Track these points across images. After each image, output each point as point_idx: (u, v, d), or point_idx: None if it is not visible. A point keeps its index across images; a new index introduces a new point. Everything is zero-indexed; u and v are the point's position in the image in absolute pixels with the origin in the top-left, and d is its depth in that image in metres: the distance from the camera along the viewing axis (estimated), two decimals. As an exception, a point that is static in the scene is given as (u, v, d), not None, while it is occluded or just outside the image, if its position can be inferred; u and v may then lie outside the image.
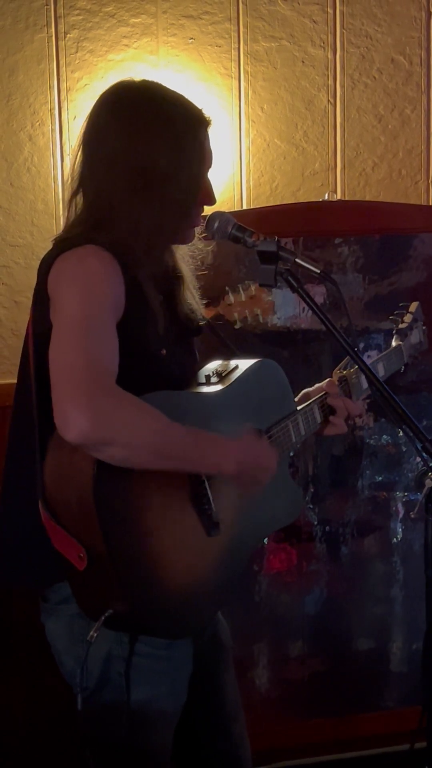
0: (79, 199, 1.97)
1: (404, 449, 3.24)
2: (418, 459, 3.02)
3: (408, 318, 2.60)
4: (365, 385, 2.34)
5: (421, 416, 3.22)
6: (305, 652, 3.24)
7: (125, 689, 1.91)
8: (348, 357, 2.15)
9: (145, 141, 1.90)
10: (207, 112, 1.99)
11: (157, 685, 1.96)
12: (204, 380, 2.04)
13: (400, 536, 3.29)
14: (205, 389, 2.02)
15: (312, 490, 3.19)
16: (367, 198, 3.34)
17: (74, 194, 1.97)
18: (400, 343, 2.54)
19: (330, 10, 3.27)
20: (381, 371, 2.44)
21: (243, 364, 2.11)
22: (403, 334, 2.56)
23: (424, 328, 2.63)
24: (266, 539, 3.12)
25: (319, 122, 3.29)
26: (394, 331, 2.58)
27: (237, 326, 3.00)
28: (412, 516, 3.18)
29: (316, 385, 2.31)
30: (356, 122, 3.33)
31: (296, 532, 3.17)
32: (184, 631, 1.98)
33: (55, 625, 2.00)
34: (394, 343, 2.55)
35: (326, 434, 2.31)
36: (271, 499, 2.06)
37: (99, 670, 1.93)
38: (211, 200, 2.02)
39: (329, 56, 3.29)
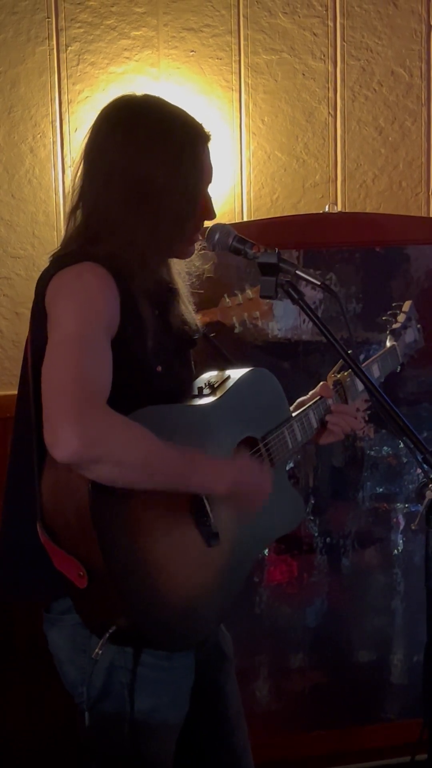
0: (79, 213, 1.98)
1: (405, 460, 3.24)
2: (419, 470, 3.02)
3: (401, 317, 2.59)
4: (361, 387, 2.34)
5: (421, 428, 3.22)
6: (306, 663, 3.24)
7: (128, 700, 1.91)
8: (342, 360, 2.14)
9: (143, 155, 1.91)
10: (207, 127, 1.99)
11: (159, 695, 1.96)
12: (197, 392, 2.04)
13: (400, 548, 3.28)
14: (198, 401, 2.02)
15: (312, 501, 3.18)
16: (368, 210, 3.35)
17: (74, 208, 1.98)
18: (395, 343, 2.54)
19: (330, 23, 3.28)
20: (376, 372, 2.44)
21: (235, 374, 2.11)
22: (397, 334, 2.56)
23: (419, 326, 2.63)
24: (266, 550, 3.11)
25: (319, 134, 3.30)
26: (387, 332, 2.57)
27: (237, 330, 3.00)
28: (413, 528, 3.16)
29: (311, 392, 2.32)
30: (357, 134, 3.34)
31: (297, 544, 3.17)
32: (186, 643, 1.98)
33: (57, 635, 2.00)
34: (388, 344, 2.54)
35: (322, 443, 2.31)
36: (272, 507, 2.06)
37: (101, 680, 1.93)
38: (211, 215, 2.02)
39: (330, 69, 3.29)
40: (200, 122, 1.99)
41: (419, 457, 1.99)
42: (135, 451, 1.74)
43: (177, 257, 2.05)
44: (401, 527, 3.27)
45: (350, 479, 3.24)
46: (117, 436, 1.73)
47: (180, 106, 2.00)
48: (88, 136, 1.98)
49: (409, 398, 3.21)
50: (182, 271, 2.10)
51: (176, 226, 1.95)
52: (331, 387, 2.31)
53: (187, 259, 2.08)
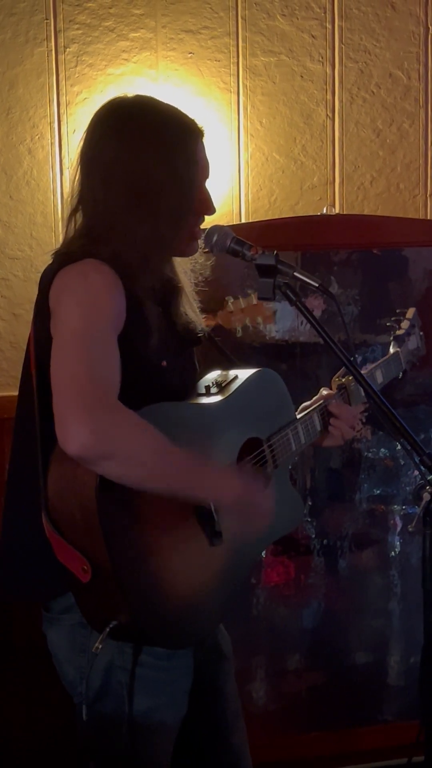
0: (79, 215, 1.98)
1: (402, 462, 3.25)
2: (416, 472, 3.02)
3: (405, 324, 2.59)
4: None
5: (419, 430, 3.23)
6: (303, 665, 3.24)
7: (126, 699, 1.91)
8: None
9: (137, 154, 1.92)
10: (200, 122, 2.00)
11: (158, 695, 1.96)
12: (204, 391, 2.05)
13: (397, 549, 3.28)
14: (205, 400, 2.02)
15: (310, 503, 3.19)
16: (366, 212, 3.35)
17: (74, 211, 1.99)
18: (398, 349, 2.55)
19: (329, 25, 3.29)
20: (379, 378, 2.44)
21: (242, 374, 2.12)
22: (400, 341, 2.56)
23: (421, 333, 2.63)
24: (264, 552, 3.11)
25: (317, 136, 3.30)
26: (391, 338, 2.58)
27: (238, 334, 3.00)
28: (410, 529, 3.16)
29: (314, 398, 2.33)
30: (354, 136, 3.34)
31: (294, 546, 3.17)
32: (186, 641, 1.98)
33: (56, 634, 2.00)
34: (392, 350, 2.55)
35: (324, 446, 2.32)
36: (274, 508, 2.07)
37: (100, 680, 1.93)
38: (210, 210, 2.02)
39: (328, 71, 3.30)
40: (193, 118, 2.00)
41: (416, 459, 2.00)
42: (145, 449, 1.75)
43: (180, 255, 2.06)
44: (398, 529, 3.28)
45: (347, 481, 3.24)
46: (128, 433, 1.74)
47: (172, 104, 2.01)
48: (83, 139, 1.99)
49: (407, 400, 3.22)
50: (187, 270, 2.11)
51: (175, 222, 1.95)
52: (336, 391, 2.32)
53: (191, 258, 2.08)
